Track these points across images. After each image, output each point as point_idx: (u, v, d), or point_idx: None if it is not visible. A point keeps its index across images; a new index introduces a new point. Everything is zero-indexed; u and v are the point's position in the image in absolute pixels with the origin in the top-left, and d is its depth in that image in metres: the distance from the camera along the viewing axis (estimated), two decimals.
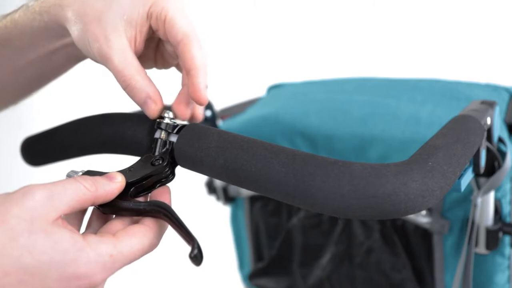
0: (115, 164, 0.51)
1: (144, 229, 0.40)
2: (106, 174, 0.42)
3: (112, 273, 0.38)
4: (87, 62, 0.54)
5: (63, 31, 0.48)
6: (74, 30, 0.46)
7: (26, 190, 0.36)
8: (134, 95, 0.46)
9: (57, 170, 0.67)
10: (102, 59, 0.46)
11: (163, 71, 0.56)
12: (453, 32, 1.19)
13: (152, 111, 0.46)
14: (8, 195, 0.36)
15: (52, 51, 0.52)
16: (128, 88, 0.46)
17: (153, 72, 0.51)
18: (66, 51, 0.52)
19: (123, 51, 0.46)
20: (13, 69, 0.56)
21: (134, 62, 0.46)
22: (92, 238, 0.37)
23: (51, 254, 0.35)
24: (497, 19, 1.15)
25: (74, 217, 0.42)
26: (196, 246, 0.38)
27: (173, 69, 0.55)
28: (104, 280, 0.37)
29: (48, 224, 0.36)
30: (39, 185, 0.37)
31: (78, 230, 0.42)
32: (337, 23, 1.29)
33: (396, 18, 1.24)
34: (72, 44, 0.49)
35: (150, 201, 0.42)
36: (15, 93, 0.61)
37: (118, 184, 0.41)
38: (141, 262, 0.43)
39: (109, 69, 0.47)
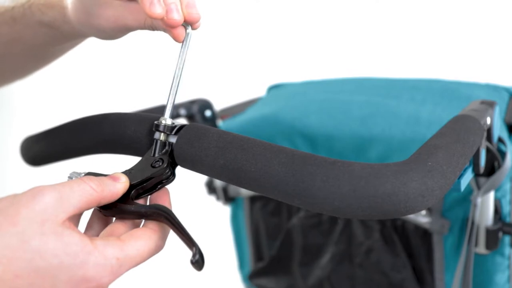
0: (115, 165, 0.51)
1: (149, 232, 0.40)
2: (110, 175, 0.42)
3: (119, 275, 0.38)
4: (88, 63, 0.55)
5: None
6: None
7: (35, 192, 0.36)
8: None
9: (57, 170, 0.67)
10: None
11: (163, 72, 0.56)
12: (453, 32, 1.19)
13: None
14: (16, 196, 0.36)
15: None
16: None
17: (153, 72, 0.51)
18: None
19: None
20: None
21: None
22: (99, 241, 0.37)
23: (62, 257, 0.35)
24: (497, 19, 1.15)
25: (74, 216, 0.42)
26: (197, 251, 0.38)
27: (171, 68, 0.55)
28: (111, 282, 0.38)
29: (58, 226, 0.36)
30: (47, 186, 0.37)
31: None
32: (337, 23, 1.29)
33: (396, 18, 1.24)
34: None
35: (152, 205, 0.42)
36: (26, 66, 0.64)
37: (123, 184, 0.42)
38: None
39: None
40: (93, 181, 0.39)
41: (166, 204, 0.43)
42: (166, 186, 0.45)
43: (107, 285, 0.37)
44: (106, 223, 0.43)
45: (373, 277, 0.71)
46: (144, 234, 0.39)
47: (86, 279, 0.36)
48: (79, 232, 0.37)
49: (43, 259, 0.34)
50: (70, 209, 0.37)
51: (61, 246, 0.35)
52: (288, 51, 1.34)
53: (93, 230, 0.43)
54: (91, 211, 0.44)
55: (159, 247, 0.40)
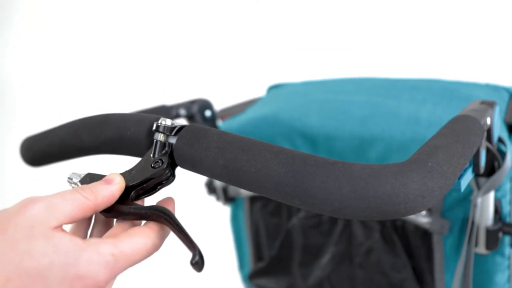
0: (115, 165, 0.51)
1: (146, 229, 0.40)
2: (104, 178, 0.42)
3: (116, 273, 0.37)
4: (88, 63, 0.55)
5: None
6: None
7: (26, 202, 0.37)
8: None
9: (57, 170, 0.67)
10: None
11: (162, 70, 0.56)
12: (453, 32, 1.19)
13: None
14: (7, 209, 0.37)
15: None
16: None
17: (153, 72, 0.51)
18: None
19: None
20: None
21: None
22: (92, 240, 0.37)
23: (52, 256, 0.35)
24: (497, 19, 1.15)
25: (80, 227, 0.43)
26: (197, 252, 0.38)
27: (171, 68, 0.55)
28: (109, 281, 0.37)
29: (48, 230, 0.36)
30: (39, 196, 0.37)
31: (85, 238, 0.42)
32: (337, 22, 1.29)
33: (396, 18, 1.24)
34: None
35: (151, 206, 0.42)
36: None
37: (117, 185, 0.41)
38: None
39: None
40: (85, 191, 0.40)
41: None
42: (171, 195, 0.45)
43: (104, 282, 0.37)
44: (108, 226, 0.43)
45: (373, 277, 0.71)
46: (140, 231, 0.39)
47: (79, 277, 0.36)
48: (70, 234, 0.37)
49: (32, 259, 0.35)
50: (61, 217, 0.37)
51: (50, 246, 0.35)
52: (288, 51, 1.34)
53: (95, 233, 0.43)
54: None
55: (156, 246, 0.40)
